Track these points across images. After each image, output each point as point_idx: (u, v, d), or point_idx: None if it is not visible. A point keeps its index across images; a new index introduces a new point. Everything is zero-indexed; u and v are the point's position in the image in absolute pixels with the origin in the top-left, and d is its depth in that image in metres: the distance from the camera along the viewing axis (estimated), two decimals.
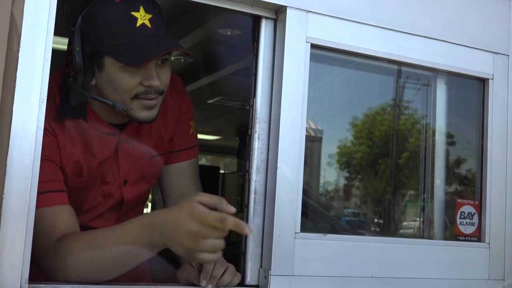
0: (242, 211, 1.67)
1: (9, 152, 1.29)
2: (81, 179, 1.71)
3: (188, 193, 1.83)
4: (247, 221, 1.62)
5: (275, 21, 1.68)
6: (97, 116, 1.72)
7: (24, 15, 1.33)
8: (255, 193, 1.62)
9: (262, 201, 1.62)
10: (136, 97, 1.61)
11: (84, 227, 1.76)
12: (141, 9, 1.59)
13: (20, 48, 1.33)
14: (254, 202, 1.62)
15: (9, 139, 1.30)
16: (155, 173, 1.89)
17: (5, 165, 1.29)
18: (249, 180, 1.63)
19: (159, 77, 1.62)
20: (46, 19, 1.36)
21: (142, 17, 1.59)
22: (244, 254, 1.62)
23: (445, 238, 2.05)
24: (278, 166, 1.59)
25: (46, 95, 1.35)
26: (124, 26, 1.57)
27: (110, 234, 1.46)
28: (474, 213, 1.93)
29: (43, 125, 1.35)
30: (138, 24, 1.58)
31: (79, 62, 1.57)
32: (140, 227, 1.41)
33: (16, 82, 1.32)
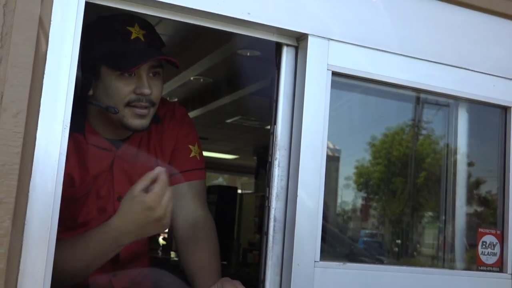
0: (261, 236, 1.66)
1: (32, 178, 1.30)
2: (71, 189, 1.77)
3: (191, 214, 1.85)
4: (266, 249, 1.61)
5: (296, 48, 1.69)
6: (95, 131, 1.82)
7: (50, 41, 1.34)
8: (274, 220, 1.62)
9: (282, 229, 1.62)
10: (128, 104, 1.73)
11: None
12: (136, 25, 1.76)
13: (45, 75, 1.34)
14: (274, 229, 1.61)
15: (32, 165, 1.31)
16: None
17: (28, 191, 1.30)
18: (269, 207, 1.63)
19: (151, 88, 1.74)
20: (71, 46, 1.38)
21: (136, 31, 1.75)
22: (263, 282, 1.61)
23: (464, 262, 2.02)
24: (298, 194, 1.58)
25: (69, 121, 1.37)
26: (120, 38, 1.74)
27: (79, 243, 1.60)
28: (496, 243, 1.90)
29: (65, 151, 1.36)
30: (132, 37, 1.74)
31: (78, 74, 1.64)
32: (104, 234, 1.57)
33: (40, 108, 1.33)
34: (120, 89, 1.73)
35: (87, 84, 1.74)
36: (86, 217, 1.83)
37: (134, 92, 1.73)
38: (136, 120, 1.74)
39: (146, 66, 1.74)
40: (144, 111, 1.75)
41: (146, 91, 1.73)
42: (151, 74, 1.77)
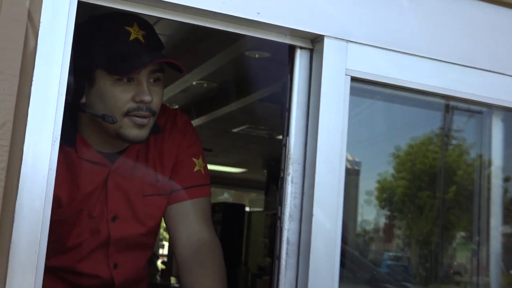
0: (272, 261, 1.67)
1: (18, 196, 1.32)
2: (58, 210, 1.76)
3: (194, 236, 1.85)
4: (278, 275, 1.61)
5: (311, 51, 1.70)
6: (87, 144, 1.82)
7: (38, 47, 1.36)
8: (287, 243, 1.62)
9: (296, 253, 1.62)
10: (127, 114, 1.73)
11: (70, 270, 1.80)
12: (135, 25, 1.75)
13: (33, 82, 1.36)
14: (287, 253, 1.62)
15: (18, 182, 1.32)
16: (152, 214, 1.92)
17: (14, 210, 1.31)
18: (281, 228, 1.63)
19: (151, 95, 1.74)
20: (62, 51, 1.39)
21: (135, 32, 1.74)
22: None
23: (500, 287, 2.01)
24: (313, 213, 1.59)
25: (59, 133, 1.38)
26: (117, 39, 1.73)
27: None
28: None
29: (55, 166, 1.37)
30: (131, 38, 1.73)
31: (70, 78, 1.64)
32: None
33: (28, 119, 1.34)
34: (118, 96, 1.72)
35: (80, 90, 1.73)
36: (77, 240, 1.83)
37: (133, 100, 1.73)
38: (135, 131, 1.74)
39: (146, 70, 1.74)
40: (144, 121, 1.74)
41: (147, 98, 1.73)
42: (151, 80, 1.77)
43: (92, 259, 1.86)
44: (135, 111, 1.73)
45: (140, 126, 1.74)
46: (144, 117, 1.74)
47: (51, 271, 1.80)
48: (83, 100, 1.76)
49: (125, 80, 1.72)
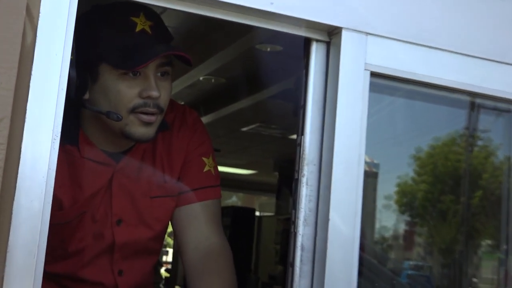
0: (285, 268, 1.67)
1: (16, 197, 1.32)
2: (59, 212, 1.77)
3: (204, 242, 1.85)
4: (292, 283, 1.61)
5: (328, 44, 1.70)
6: (91, 143, 1.82)
7: (37, 39, 1.37)
8: (302, 249, 1.62)
9: (311, 260, 1.62)
10: (133, 111, 1.72)
11: (72, 277, 1.80)
12: (142, 15, 1.74)
13: (32, 76, 1.36)
14: (301, 260, 1.62)
15: (16, 182, 1.33)
16: (159, 217, 1.93)
17: (11, 213, 1.32)
18: (295, 233, 1.63)
19: (159, 90, 1.73)
20: (62, 43, 1.40)
21: (142, 22, 1.73)
22: None
23: None
24: (330, 217, 1.59)
25: (59, 130, 1.39)
26: (123, 30, 1.72)
27: None
28: None
29: (55, 166, 1.38)
30: (137, 29, 1.72)
31: (72, 72, 1.64)
32: None
33: (26, 115, 1.35)
34: (123, 92, 1.71)
35: (83, 85, 1.72)
36: (79, 244, 1.84)
37: (139, 96, 1.72)
38: (141, 129, 1.73)
39: (154, 64, 1.73)
40: (151, 118, 1.73)
41: (154, 93, 1.72)
42: (159, 74, 1.76)
43: (96, 266, 1.86)
44: (142, 107, 1.72)
45: (147, 124, 1.73)
46: (152, 114, 1.73)
47: (51, 278, 1.81)
48: (86, 96, 1.75)
49: (131, 74, 1.71)
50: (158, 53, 1.70)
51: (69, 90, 1.62)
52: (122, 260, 1.89)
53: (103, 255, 1.87)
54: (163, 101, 1.76)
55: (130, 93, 1.72)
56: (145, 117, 1.73)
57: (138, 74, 1.72)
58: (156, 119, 1.75)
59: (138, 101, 1.72)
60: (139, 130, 1.74)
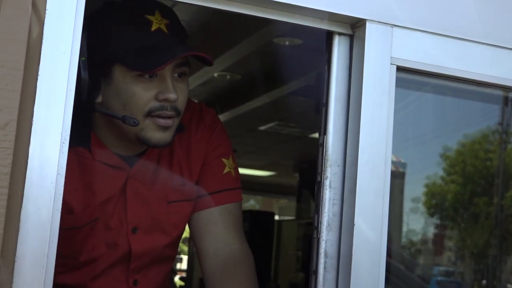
0: (308, 276, 1.67)
1: (23, 205, 1.33)
2: (69, 216, 1.76)
3: (224, 248, 1.85)
4: None
5: (351, 37, 1.70)
6: (103, 145, 1.82)
7: (44, 38, 1.38)
8: (325, 256, 1.62)
9: (335, 267, 1.62)
10: (149, 114, 1.72)
11: None
12: (157, 13, 1.73)
13: (39, 77, 1.37)
14: (325, 267, 1.62)
15: (23, 189, 1.34)
16: (177, 223, 1.93)
17: (19, 221, 1.33)
18: (318, 239, 1.63)
19: (176, 92, 1.72)
20: (70, 41, 1.40)
21: (158, 21, 1.72)
22: None
23: None
24: (355, 222, 1.59)
25: (68, 134, 1.39)
26: (137, 29, 1.71)
27: None
28: None
29: (64, 171, 1.39)
30: (153, 28, 1.71)
31: (84, 74, 1.65)
32: None
33: (33, 118, 1.36)
34: (139, 94, 1.71)
35: (95, 88, 1.72)
36: (91, 254, 1.84)
37: (156, 99, 1.71)
38: (158, 134, 1.73)
39: (171, 65, 1.72)
40: (168, 122, 1.73)
41: (172, 96, 1.71)
42: (176, 75, 1.75)
43: (109, 276, 1.87)
44: (158, 110, 1.72)
45: (164, 128, 1.73)
46: (169, 117, 1.73)
47: None
48: (99, 99, 1.75)
49: (147, 76, 1.71)
50: (176, 54, 1.70)
51: (81, 93, 1.64)
52: (138, 269, 1.89)
53: (117, 265, 1.87)
54: (181, 104, 1.76)
55: (146, 96, 1.71)
56: (162, 121, 1.73)
57: (154, 76, 1.72)
58: (173, 123, 1.75)
59: (154, 104, 1.72)
60: (156, 135, 1.73)
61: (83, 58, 1.65)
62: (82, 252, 1.83)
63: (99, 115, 1.80)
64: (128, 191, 1.84)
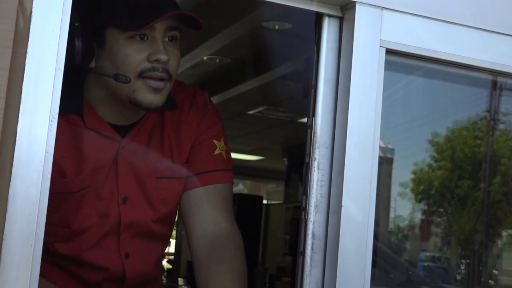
0: (296, 258, 1.68)
1: (11, 184, 1.33)
2: (63, 180, 1.79)
3: (212, 227, 1.86)
4: (302, 273, 1.62)
5: (341, 20, 1.69)
6: (96, 113, 1.85)
7: (33, 15, 1.37)
8: (313, 237, 1.63)
9: (322, 248, 1.63)
10: (141, 75, 1.75)
11: (77, 260, 1.82)
12: None
13: (27, 54, 1.36)
14: (312, 249, 1.63)
15: (11, 167, 1.33)
16: (165, 199, 1.94)
17: (7, 199, 1.32)
18: (306, 220, 1.64)
19: (167, 54, 1.76)
20: (59, 19, 1.40)
21: None
22: None
23: None
24: (343, 204, 1.59)
25: (57, 111, 1.39)
26: None
27: None
28: None
29: (53, 150, 1.38)
30: None
31: (77, 39, 1.68)
32: None
33: (22, 95, 1.35)
34: (131, 56, 1.75)
35: (89, 53, 1.76)
36: (83, 223, 1.85)
37: (147, 60, 1.75)
38: (150, 95, 1.76)
39: (162, 27, 1.76)
40: (160, 84, 1.77)
41: (163, 57, 1.75)
42: (166, 39, 1.79)
43: (102, 248, 1.88)
44: (150, 71, 1.75)
45: (156, 90, 1.76)
46: (160, 79, 1.76)
47: (55, 262, 1.84)
48: (92, 64, 1.79)
49: (138, 38, 1.75)
50: (166, 12, 1.74)
51: (75, 59, 1.67)
52: (128, 241, 1.90)
53: (109, 236, 1.89)
54: (172, 67, 1.79)
55: (137, 57, 1.75)
56: (153, 83, 1.76)
57: (145, 38, 1.76)
58: (164, 86, 1.78)
59: (146, 65, 1.75)
60: (148, 97, 1.76)
61: (76, 24, 1.68)
62: (74, 220, 1.84)
63: (91, 85, 1.83)
64: (120, 163, 1.86)
